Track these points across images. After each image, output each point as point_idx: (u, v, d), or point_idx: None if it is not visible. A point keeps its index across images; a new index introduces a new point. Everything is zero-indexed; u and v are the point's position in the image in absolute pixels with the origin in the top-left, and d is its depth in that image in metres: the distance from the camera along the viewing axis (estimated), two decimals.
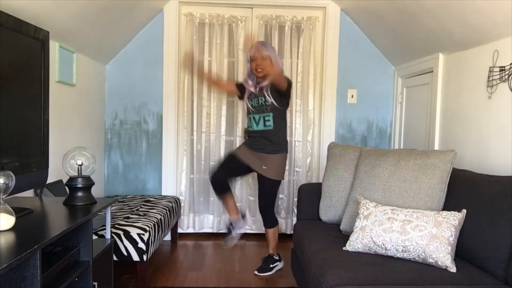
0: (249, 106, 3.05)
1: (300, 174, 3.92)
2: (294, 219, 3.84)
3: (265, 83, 2.94)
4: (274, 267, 3.12)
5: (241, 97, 3.19)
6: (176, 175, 3.89)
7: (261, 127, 3.01)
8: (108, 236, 2.26)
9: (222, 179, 3.04)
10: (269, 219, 3.13)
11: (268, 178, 3.02)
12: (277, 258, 3.17)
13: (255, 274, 3.07)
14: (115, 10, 3.01)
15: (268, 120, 2.99)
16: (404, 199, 2.15)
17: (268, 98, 2.95)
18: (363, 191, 2.30)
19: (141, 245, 2.58)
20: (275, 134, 3.00)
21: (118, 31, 3.43)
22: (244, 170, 3.11)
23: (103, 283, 2.10)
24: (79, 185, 2.00)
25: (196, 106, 3.87)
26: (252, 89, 3.03)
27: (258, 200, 3.15)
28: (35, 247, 1.34)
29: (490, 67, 2.38)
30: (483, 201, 1.88)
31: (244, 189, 3.92)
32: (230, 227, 3.16)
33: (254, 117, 3.03)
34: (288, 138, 3.17)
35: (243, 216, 3.22)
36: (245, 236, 3.95)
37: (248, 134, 3.16)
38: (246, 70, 3.13)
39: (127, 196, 3.65)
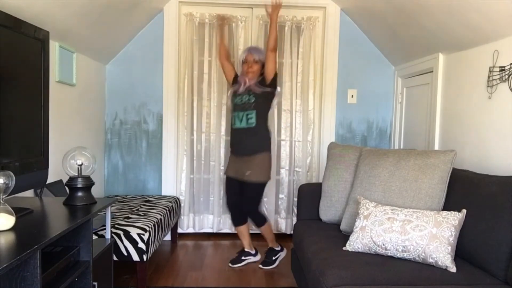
0: (233, 103, 3.18)
1: (300, 174, 3.92)
2: (294, 219, 3.84)
3: (252, 81, 3.10)
4: (277, 258, 3.25)
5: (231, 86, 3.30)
6: (176, 175, 3.89)
7: (244, 124, 3.11)
8: (108, 236, 2.26)
9: (235, 202, 3.23)
10: (257, 219, 3.23)
11: (250, 182, 3.10)
12: (279, 248, 3.29)
13: (260, 268, 3.18)
14: (115, 10, 3.01)
15: (251, 118, 3.10)
16: (404, 199, 2.15)
17: (254, 93, 3.07)
18: (363, 191, 2.30)
19: (141, 245, 2.58)
20: (257, 131, 3.11)
21: (118, 31, 3.43)
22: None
23: (103, 283, 2.10)
24: (79, 185, 2.00)
25: (196, 106, 3.87)
26: (240, 88, 3.15)
27: (241, 203, 3.19)
28: (35, 247, 1.34)
29: (490, 67, 2.38)
30: (483, 201, 1.88)
31: None
32: (274, 257, 3.25)
33: (238, 114, 3.14)
34: (271, 136, 3.26)
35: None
36: None
37: (231, 132, 3.24)
38: (240, 71, 3.27)
39: (127, 196, 3.65)
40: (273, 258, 3.23)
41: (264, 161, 3.14)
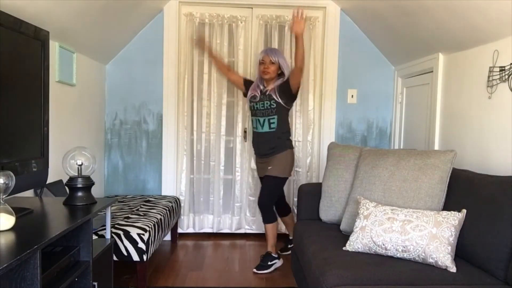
0: (254, 109, 3.23)
1: (300, 174, 3.92)
2: (294, 219, 3.84)
3: (270, 87, 3.16)
4: (272, 264, 3.14)
5: (245, 95, 3.38)
6: (176, 175, 3.89)
7: (266, 129, 3.19)
8: (108, 236, 2.26)
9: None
10: (268, 214, 3.19)
11: (272, 176, 3.14)
12: (276, 256, 3.19)
13: (254, 272, 3.09)
14: (115, 10, 3.01)
15: (273, 123, 3.17)
16: (404, 199, 2.15)
17: (275, 99, 3.13)
18: (363, 191, 2.30)
19: (141, 245, 2.58)
20: (280, 134, 3.19)
21: (118, 31, 3.43)
22: None
23: (103, 283, 2.10)
24: (79, 185, 2.00)
25: (196, 106, 3.87)
26: (256, 93, 3.21)
27: (259, 195, 3.23)
28: (35, 247, 1.34)
29: (490, 67, 2.37)
30: (483, 201, 1.88)
31: (244, 189, 3.92)
32: (269, 261, 3.15)
33: (259, 120, 3.21)
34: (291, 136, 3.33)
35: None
36: (245, 236, 3.96)
37: (253, 135, 3.32)
38: (257, 73, 3.29)
39: (127, 196, 3.65)
40: (269, 263, 3.14)
41: (285, 157, 3.18)
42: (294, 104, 3.85)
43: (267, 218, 3.19)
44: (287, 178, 3.24)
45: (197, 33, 3.79)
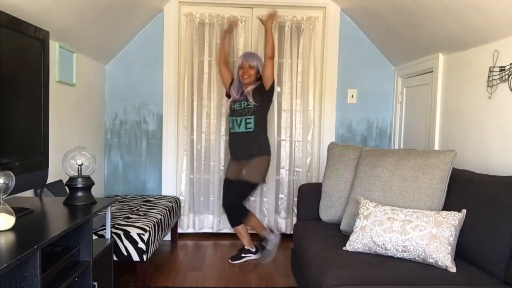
0: (232, 109, 3.29)
1: (300, 174, 3.92)
2: (294, 219, 3.84)
3: (249, 88, 3.22)
4: (245, 256, 3.30)
5: (227, 94, 3.44)
6: (176, 175, 3.89)
7: (242, 129, 3.24)
8: (108, 236, 2.26)
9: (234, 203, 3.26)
10: (234, 217, 3.29)
11: (241, 180, 3.20)
12: (253, 250, 3.33)
13: (229, 261, 3.28)
14: (115, 10, 3.01)
15: (250, 123, 3.22)
16: (404, 199, 2.15)
17: (251, 101, 3.19)
18: (363, 191, 2.30)
19: (141, 245, 2.59)
20: (256, 136, 3.24)
21: (118, 31, 3.43)
22: None
23: (103, 283, 2.10)
24: (79, 185, 2.00)
25: (196, 106, 3.87)
26: (236, 96, 3.29)
27: (225, 197, 3.31)
28: (35, 247, 1.34)
29: (490, 67, 2.38)
30: (483, 201, 1.88)
31: None
32: (263, 243, 3.31)
33: (236, 120, 3.26)
34: (270, 141, 3.41)
35: (271, 231, 3.38)
36: None
37: (230, 136, 3.37)
38: (236, 76, 3.38)
39: (127, 196, 3.65)
40: (242, 255, 3.30)
41: (261, 163, 3.24)
42: (294, 104, 3.87)
43: (233, 221, 3.30)
44: (258, 184, 3.30)
45: (197, 34, 3.81)
